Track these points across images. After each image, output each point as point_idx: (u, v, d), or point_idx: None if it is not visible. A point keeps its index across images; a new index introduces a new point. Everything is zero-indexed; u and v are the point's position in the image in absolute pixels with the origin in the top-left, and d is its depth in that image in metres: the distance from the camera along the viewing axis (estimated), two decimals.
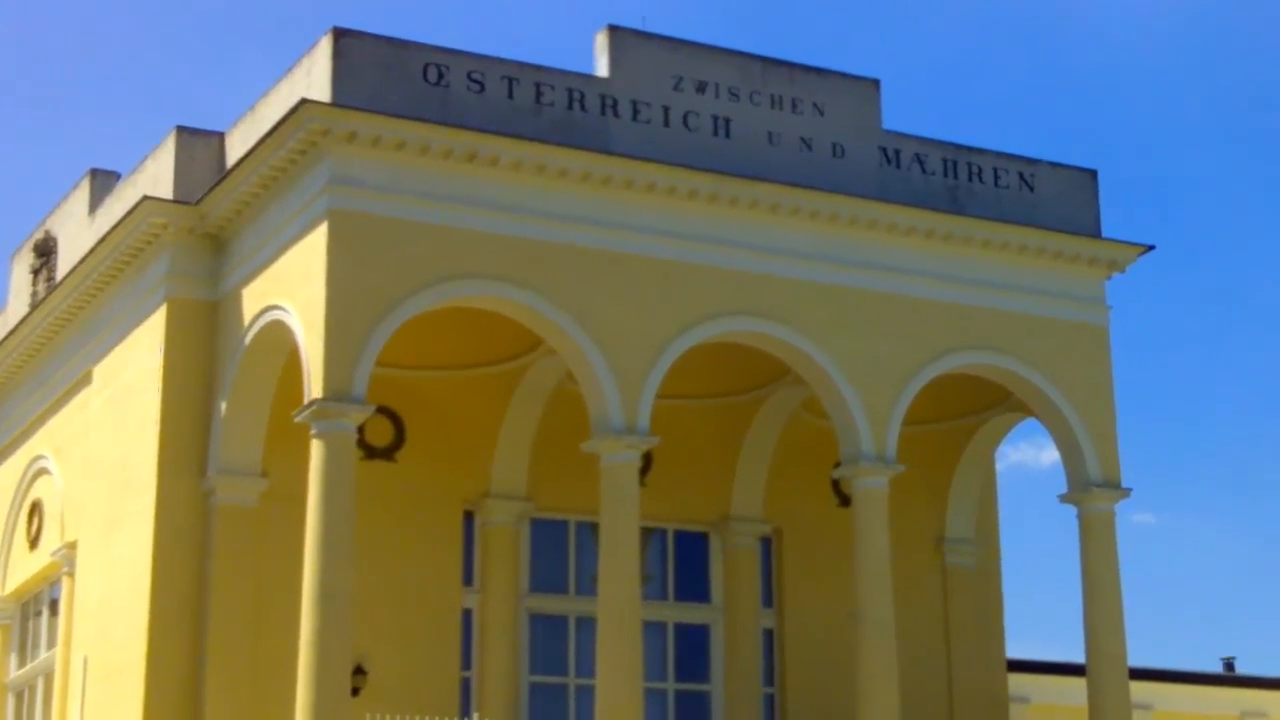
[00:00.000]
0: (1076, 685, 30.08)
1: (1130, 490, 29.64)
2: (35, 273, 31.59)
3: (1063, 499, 29.73)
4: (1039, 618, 76.65)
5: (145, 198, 26.86)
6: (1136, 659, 30.47)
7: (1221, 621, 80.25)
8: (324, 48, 24.89)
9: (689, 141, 26.96)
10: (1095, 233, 30.19)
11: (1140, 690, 31.52)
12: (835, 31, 77.74)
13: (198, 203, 26.75)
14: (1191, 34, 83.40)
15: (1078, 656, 29.76)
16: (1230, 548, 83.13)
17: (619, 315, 25.85)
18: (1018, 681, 33.38)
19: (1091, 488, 29.15)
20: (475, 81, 25.60)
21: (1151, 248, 30.43)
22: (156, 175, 27.55)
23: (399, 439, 28.24)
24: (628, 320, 25.90)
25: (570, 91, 26.27)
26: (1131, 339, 74.30)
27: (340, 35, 24.79)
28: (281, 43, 75.67)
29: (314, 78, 24.97)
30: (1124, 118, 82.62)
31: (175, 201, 26.85)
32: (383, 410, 26.47)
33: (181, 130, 27.48)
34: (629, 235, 26.30)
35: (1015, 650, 33.47)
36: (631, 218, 26.32)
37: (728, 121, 27.42)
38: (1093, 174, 30.70)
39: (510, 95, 25.78)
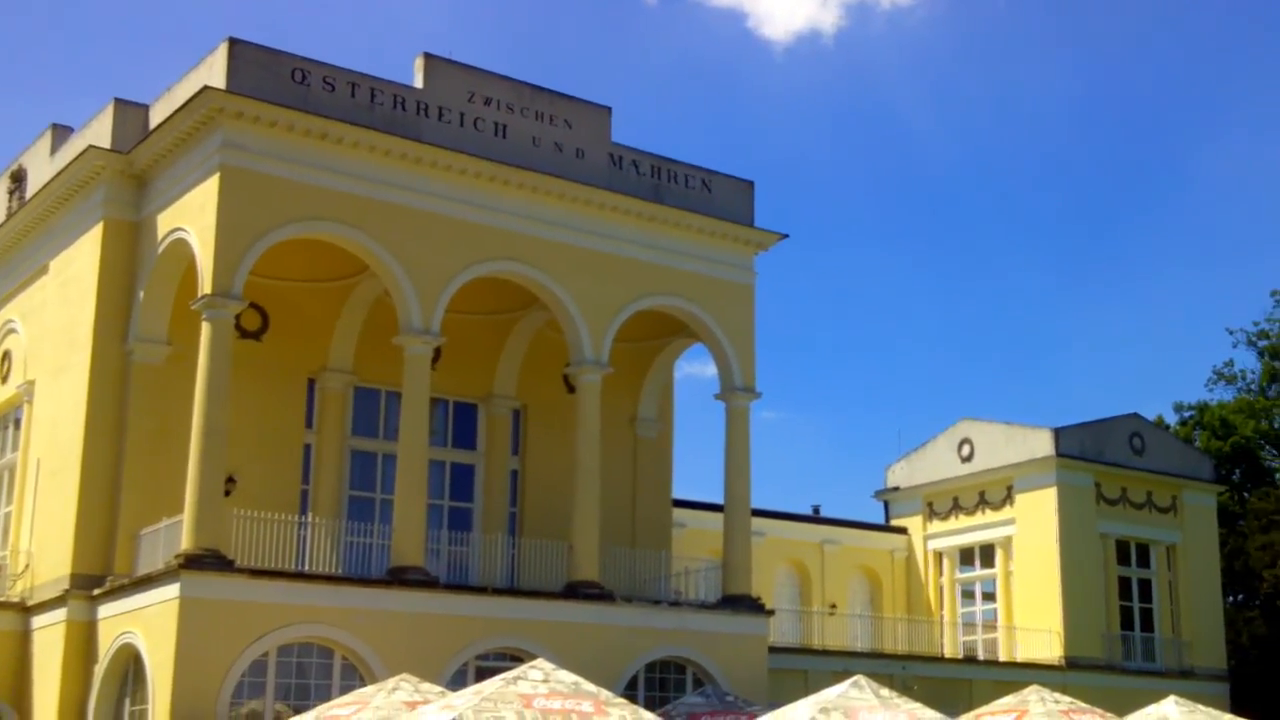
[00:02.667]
0: (717, 517, 30.37)
1: (761, 394, 29.94)
2: (11, 194, 30.35)
3: (716, 397, 30.02)
4: (698, 472, 78.87)
5: (90, 146, 26.23)
6: (755, 504, 30.65)
7: (812, 481, 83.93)
8: (222, 51, 24.40)
9: (478, 139, 26.71)
10: (750, 223, 30.28)
11: (757, 523, 31.86)
12: (583, 65, 78.25)
13: (128, 152, 26.14)
14: (827, 74, 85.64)
15: (719, 499, 30.05)
16: (821, 435, 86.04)
17: (423, 253, 25.66)
18: (679, 513, 33.53)
19: (735, 391, 29.55)
20: (328, 84, 25.15)
21: (787, 236, 30.63)
22: (99, 131, 26.84)
23: (265, 326, 27.45)
24: (429, 256, 25.74)
25: (395, 96, 25.94)
26: (776, 294, 76.28)
27: (234, 43, 24.37)
28: (193, 44, 74.27)
29: (214, 71, 24.47)
30: (779, 143, 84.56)
31: (112, 150, 26.18)
32: (254, 305, 26.11)
33: (119, 101, 26.70)
34: (433, 199, 25.98)
35: (679, 493, 33.51)
36: (436, 188, 26.04)
37: (505, 127, 27.17)
38: (751, 183, 30.71)
39: (353, 95, 25.38)
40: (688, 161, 29.90)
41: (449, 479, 29.37)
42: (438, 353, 26.37)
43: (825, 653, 33.71)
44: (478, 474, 29.84)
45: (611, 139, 28.77)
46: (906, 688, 30.14)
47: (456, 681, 23.88)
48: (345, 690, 22.77)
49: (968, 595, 41.90)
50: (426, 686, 21.70)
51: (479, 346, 29.85)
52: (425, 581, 24.66)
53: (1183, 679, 39.09)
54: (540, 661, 21.29)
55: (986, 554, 41.31)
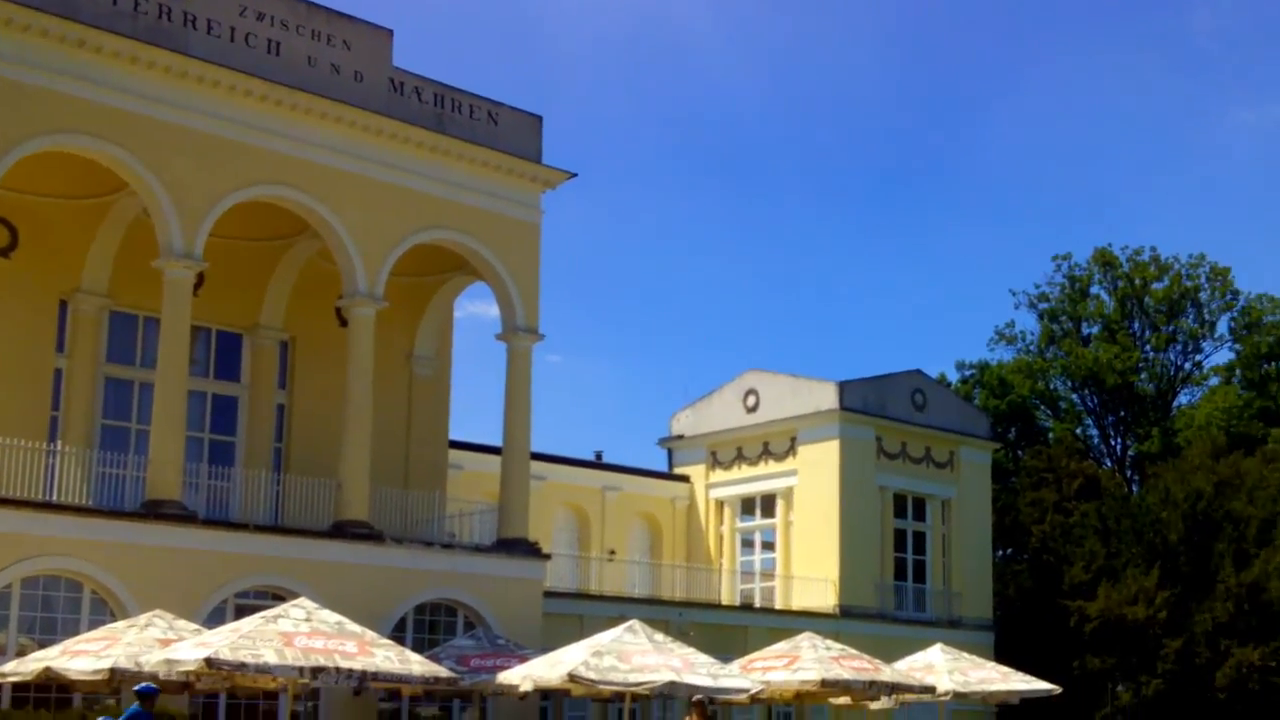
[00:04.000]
0: (495, 460, 30.78)
1: (544, 336, 30.30)
2: None
3: (498, 337, 30.18)
4: (478, 414, 79.43)
5: None
6: (536, 447, 31.61)
7: (597, 427, 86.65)
8: None
9: (249, 55, 26.34)
10: (537, 159, 30.46)
11: (536, 467, 32.68)
12: None
13: None
14: (620, 10, 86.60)
15: (499, 441, 30.31)
16: (607, 381, 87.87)
17: (186, 172, 25.27)
18: (456, 455, 33.63)
19: (517, 332, 29.87)
20: None
21: (575, 175, 30.89)
22: None
23: (14, 243, 26.71)
24: (193, 176, 25.35)
25: (160, 6, 25.42)
26: (564, 236, 77.29)
27: None
28: None
29: None
30: (570, 79, 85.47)
31: None
32: (3, 221, 25.96)
33: None
34: (200, 117, 25.60)
35: (457, 434, 33.72)
36: (203, 105, 25.65)
37: (279, 44, 26.89)
38: (539, 118, 30.84)
39: (115, 3, 24.77)
40: (474, 92, 30.01)
41: (210, 411, 29.09)
42: (201, 278, 26.07)
43: (602, 598, 34.43)
44: (241, 407, 29.58)
45: (393, 63, 28.71)
46: (683, 634, 31.34)
47: (214, 619, 23.88)
48: (94, 625, 22.66)
49: (747, 544, 43.42)
50: (181, 624, 21.97)
51: (246, 274, 29.44)
52: (182, 516, 24.55)
53: (951, 628, 41.19)
54: (303, 600, 21.65)
55: (768, 504, 42.84)
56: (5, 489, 23.21)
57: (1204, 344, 63.85)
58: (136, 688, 19.46)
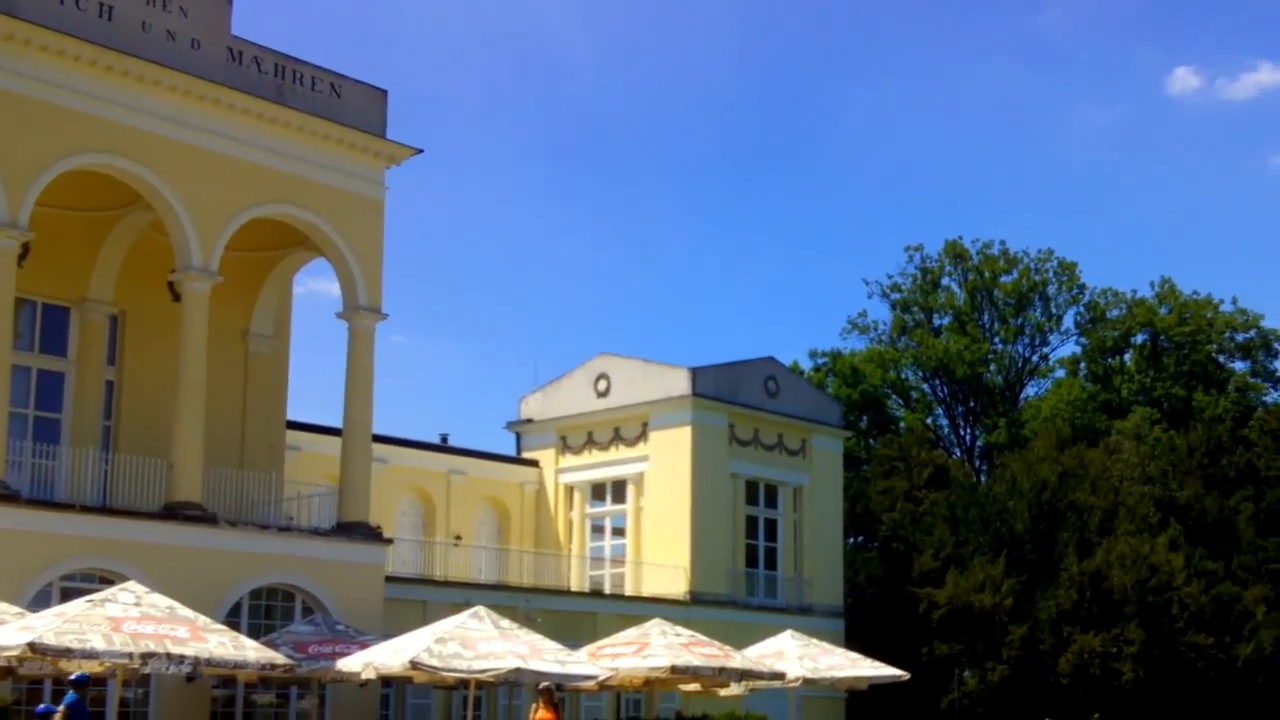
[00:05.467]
0: (336, 442, 30.91)
1: (387, 315, 30.54)
2: None
3: (339, 316, 30.35)
4: (319, 394, 79.27)
5: None
6: (379, 429, 31.91)
7: (443, 409, 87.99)
8: None
9: (79, 19, 26.18)
10: (381, 134, 30.77)
11: (379, 449, 32.82)
12: None
13: None
14: (478, 9, 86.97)
15: (339, 422, 30.48)
16: (454, 363, 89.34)
17: (11, 139, 25.12)
18: (294, 436, 33.71)
19: (359, 310, 30.13)
20: None
21: (421, 151, 31.31)
22: None
23: None
24: (19, 143, 25.18)
25: None
26: (410, 214, 77.47)
27: None
28: None
29: None
30: (416, 53, 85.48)
31: None
32: None
33: None
34: (27, 82, 25.41)
35: (296, 414, 33.83)
36: (30, 69, 25.45)
37: (111, 8, 26.80)
38: (384, 92, 31.23)
39: None
40: (316, 64, 30.11)
41: (35, 387, 28.74)
42: (26, 249, 25.83)
43: (447, 584, 34.74)
44: (68, 383, 29.30)
45: (231, 32, 28.75)
46: (530, 620, 31.71)
47: (39, 603, 23.72)
48: None
49: (598, 530, 44.16)
50: (3, 606, 21.86)
51: (73, 246, 29.18)
52: (4, 495, 24.35)
53: (802, 615, 42.36)
54: (132, 584, 21.86)
55: (619, 490, 43.61)
56: None
57: (1050, 337, 66.72)
58: (71, 677, 19.68)
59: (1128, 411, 58.61)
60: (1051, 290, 66.04)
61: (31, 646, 19.15)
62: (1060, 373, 66.24)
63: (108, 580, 24.35)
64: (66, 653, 19.48)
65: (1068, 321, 66.48)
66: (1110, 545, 43.95)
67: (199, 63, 27.85)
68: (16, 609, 22.19)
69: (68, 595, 23.67)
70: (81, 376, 29.24)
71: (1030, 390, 67.01)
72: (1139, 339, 64.07)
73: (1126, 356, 64.73)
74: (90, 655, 19.61)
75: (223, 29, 28.52)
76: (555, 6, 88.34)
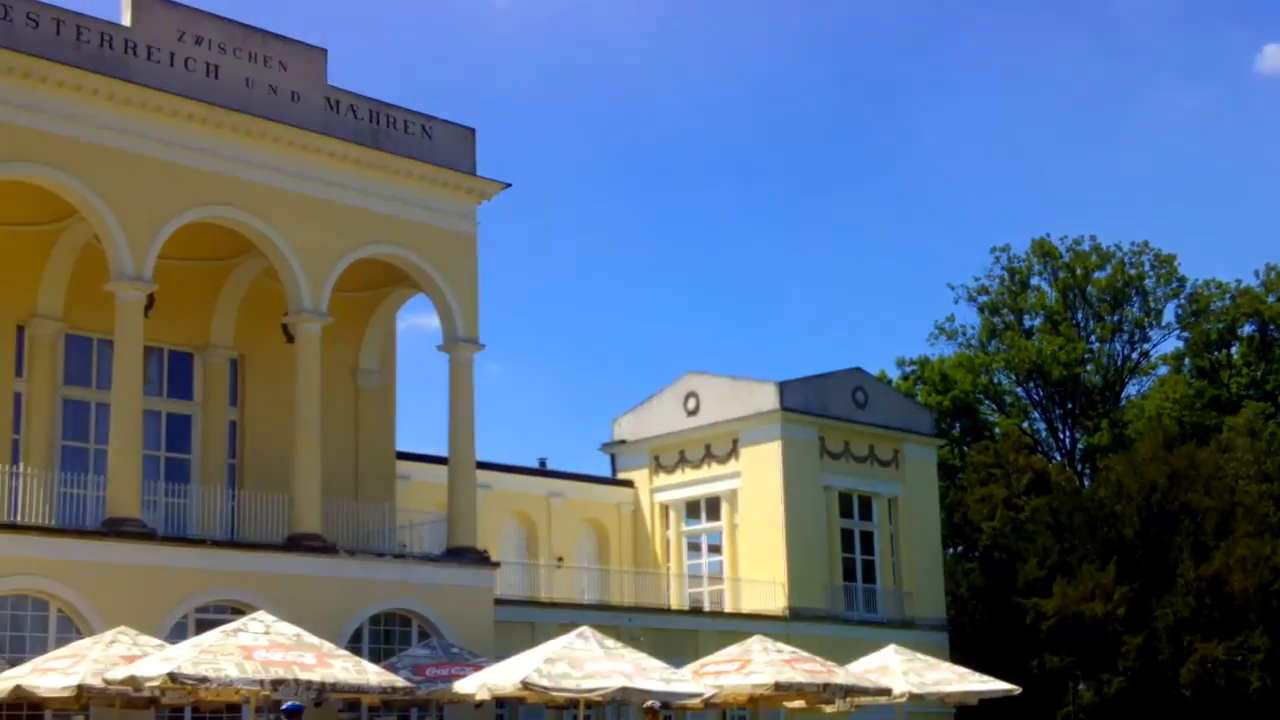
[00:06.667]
0: (442, 470, 33.02)
1: (485, 345, 32.63)
2: None
3: (439, 349, 32.53)
4: (423, 424, 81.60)
5: None
6: (481, 456, 33.48)
7: (539, 434, 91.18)
8: None
9: (189, 79, 28.72)
10: (471, 171, 32.91)
11: (482, 476, 34.82)
12: (298, 5, 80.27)
13: None
14: (549, 21, 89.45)
15: (444, 451, 32.67)
16: (548, 388, 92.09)
17: (133, 196, 27.59)
18: (403, 466, 35.95)
19: (459, 342, 32.19)
20: (32, 20, 26.83)
21: (510, 185, 33.31)
22: None
23: None
24: (139, 200, 27.69)
25: (102, 34, 27.78)
26: (501, 245, 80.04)
27: None
28: None
29: None
30: (501, 91, 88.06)
31: None
32: None
33: None
34: (144, 141, 27.91)
35: (404, 445, 36.33)
36: (146, 130, 27.97)
37: (217, 67, 29.28)
38: (473, 130, 33.36)
39: (58, 32, 27.12)
40: (408, 107, 32.53)
41: (165, 430, 31.35)
42: (151, 300, 28.19)
43: (552, 605, 36.78)
44: (195, 424, 31.89)
45: (328, 82, 31.23)
46: (633, 639, 32.63)
47: (176, 634, 26.07)
48: (61, 643, 24.78)
49: (694, 548, 45.91)
50: (145, 639, 23.89)
51: (194, 294, 31.79)
52: (142, 533, 26.90)
53: (903, 629, 43.31)
54: (261, 614, 23.46)
55: (712, 507, 45.37)
56: None
57: (1151, 332, 66.89)
58: (285, 706, 21.24)
59: (1238, 407, 58.05)
60: (1149, 284, 65.79)
61: (172, 676, 20.62)
62: (1163, 369, 65.78)
63: (238, 610, 26.70)
64: (204, 681, 20.84)
65: (1168, 316, 66.15)
66: (1229, 548, 43.59)
67: (300, 114, 30.40)
68: (157, 641, 24.23)
69: (202, 626, 25.89)
70: (207, 418, 32.03)
71: (1132, 389, 66.85)
72: (1246, 330, 63.63)
73: (1234, 349, 64.19)
74: (225, 683, 21.05)
75: (320, 80, 31.07)
76: (630, 33, 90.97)
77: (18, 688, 22.91)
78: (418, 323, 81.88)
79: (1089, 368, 65.58)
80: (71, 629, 25.76)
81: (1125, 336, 66.63)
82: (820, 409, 44.74)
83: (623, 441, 47.35)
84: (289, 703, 21.43)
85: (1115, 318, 66.14)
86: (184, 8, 29.25)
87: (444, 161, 32.66)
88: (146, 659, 22.41)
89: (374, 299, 34.83)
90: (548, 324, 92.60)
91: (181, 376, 32.13)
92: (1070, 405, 65.39)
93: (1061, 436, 66.04)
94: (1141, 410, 62.79)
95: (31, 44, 26.68)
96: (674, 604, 42.74)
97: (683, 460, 45.77)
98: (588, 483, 45.35)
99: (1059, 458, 64.12)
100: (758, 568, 43.09)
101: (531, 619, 35.03)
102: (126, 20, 28.38)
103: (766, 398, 43.98)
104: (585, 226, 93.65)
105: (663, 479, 46.19)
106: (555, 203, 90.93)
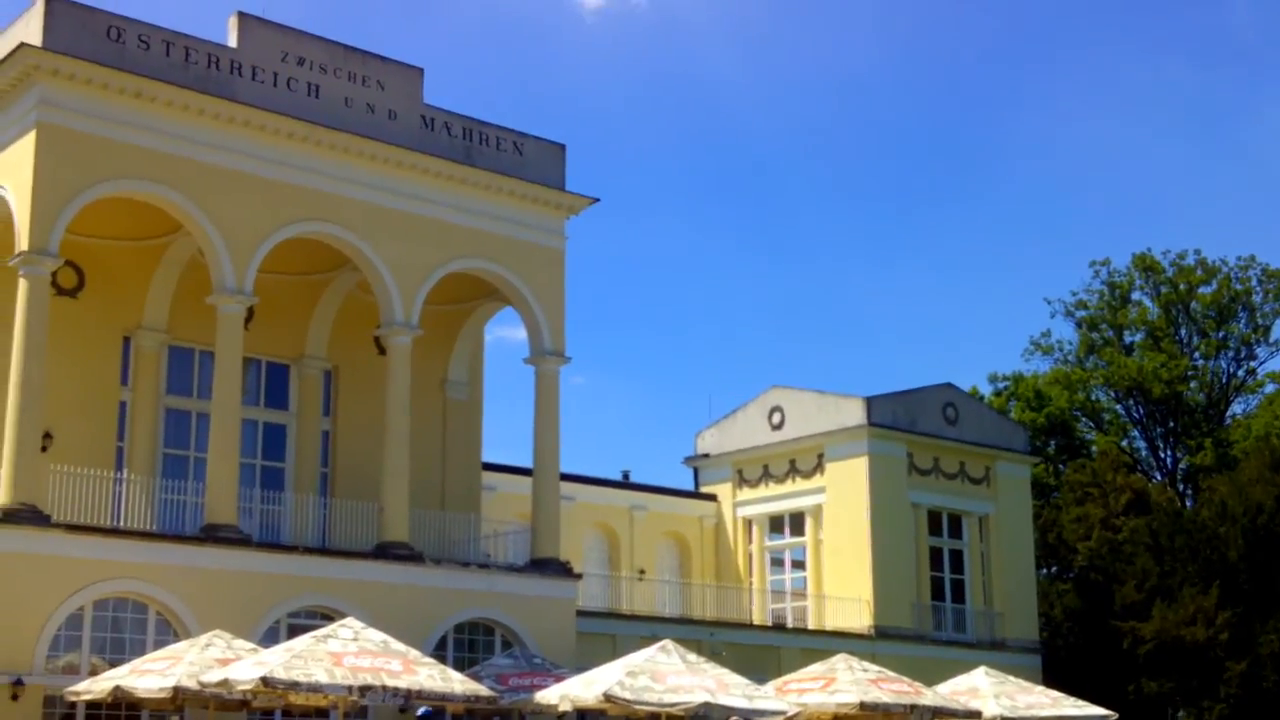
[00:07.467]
0: (527, 481, 34.28)
1: (571, 358, 33.74)
2: None
3: (526, 361, 33.72)
4: (508, 435, 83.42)
5: None
6: (565, 468, 34.61)
7: (623, 446, 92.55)
8: (39, 7, 27.64)
9: (291, 99, 30.31)
10: (561, 186, 34.08)
11: (566, 488, 36.12)
12: (396, 25, 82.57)
13: None
14: (638, 36, 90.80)
15: (529, 462, 33.88)
16: (632, 401, 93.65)
17: (236, 212, 29.24)
18: (489, 477, 37.38)
19: (545, 355, 33.44)
20: (143, 42, 28.49)
21: (598, 200, 34.38)
22: None
23: (81, 284, 30.67)
24: (242, 216, 29.34)
25: (209, 55, 29.44)
26: (588, 259, 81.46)
27: (50, 0, 27.57)
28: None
29: (31, 28, 27.65)
30: (591, 106, 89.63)
31: None
32: (70, 263, 29.34)
33: None
34: (247, 159, 29.53)
35: (490, 456, 37.55)
36: (249, 148, 29.59)
37: (318, 87, 30.88)
38: (563, 146, 34.56)
39: (167, 54, 28.78)
40: (499, 124, 33.98)
41: (261, 438, 33.11)
42: (251, 312, 29.94)
43: (634, 617, 37.97)
44: (290, 434, 33.62)
45: (423, 100, 32.73)
46: (715, 654, 33.81)
47: (269, 638, 27.53)
48: (159, 645, 26.40)
49: (777, 563, 47.01)
50: (239, 643, 25.24)
51: (291, 307, 33.55)
52: (238, 539, 28.60)
53: (994, 650, 43.76)
54: (350, 620, 24.75)
55: (796, 522, 46.39)
56: (78, 517, 27.34)
57: (1258, 349, 66.40)
58: (420, 711, 22.27)
59: None
60: (1257, 299, 65.45)
61: (264, 681, 21.67)
62: (1271, 387, 65.24)
63: (327, 617, 28.20)
64: (294, 686, 21.84)
65: (1276, 332, 65.75)
66: None
67: (396, 131, 31.95)
68: (250, 645, 25.56)
69: (294, 631, 27.45)
70: (301, 427, 33.79)
71: (1237, 408, 66.39)
72: None
73: None
74: (315, 689, 22.08)
75: (416, 98, 32.62)
76: (721, 46, 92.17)
77: (117, 688, 24.33)
78: (505, 335, 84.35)
79: (1192, 385, 65.28)
80: (169, 631, 27.43)
81: (1231, 353, 66.23)
82: (909, 424, 45.36)
83: (706, 455, 48.43)
84: (423, 708, 22.25)
85: (1220, 334, 65.81)
86: (287, 29, 30.97)
87: (534, 177, 33.95)
88: (240, 663, 23.62)
89: (463, 312, 36.40)
90: (633, 336, 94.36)
91: (277, 387, 33.92)
92: (1172, 424, 65.15)
93: (1162, 455, 65.83)
94: (1248, 429, 62.25)
95: (142, 65, 28.45)
96: (756, 619, 43.70)
97: (766, 474, 46.80)
98: (670, 496, 46.56)
99: (1159, 477, 63.88)
100: (842, 585, 43.86)
101: (613, 631, 36.25)
102: (232, 42, 30.14)
103: (853, 413, 44.70)
104: (671, 238, 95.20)
105: (746, 493, 47.26)
106: (642, 215, 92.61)
